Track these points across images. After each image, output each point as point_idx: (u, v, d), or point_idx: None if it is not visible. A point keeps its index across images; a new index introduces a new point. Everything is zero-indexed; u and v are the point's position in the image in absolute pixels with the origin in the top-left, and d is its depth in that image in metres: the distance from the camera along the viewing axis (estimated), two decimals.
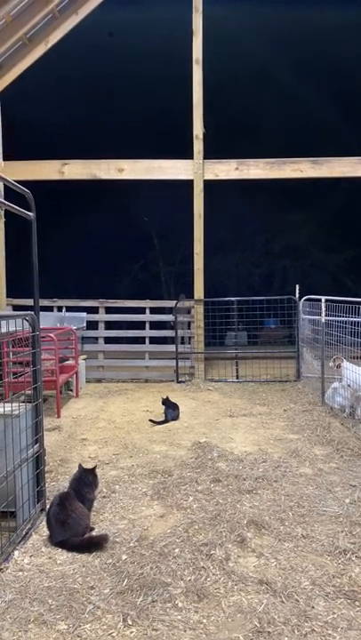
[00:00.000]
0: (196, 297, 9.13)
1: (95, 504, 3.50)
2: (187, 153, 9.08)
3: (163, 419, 6.10)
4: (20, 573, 2.81)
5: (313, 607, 2.45)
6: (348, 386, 5.98)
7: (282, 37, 13.71)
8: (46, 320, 8.52)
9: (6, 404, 3.41)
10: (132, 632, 2.31)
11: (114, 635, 2.30)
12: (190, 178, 9.03)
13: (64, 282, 15.92)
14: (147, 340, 9.55)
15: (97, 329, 9.54)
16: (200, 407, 6.92)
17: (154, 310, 9.58)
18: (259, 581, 2.67)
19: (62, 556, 2.99)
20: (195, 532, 3.22)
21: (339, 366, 6.17)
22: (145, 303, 9.54)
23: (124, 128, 15.64)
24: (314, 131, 15.46)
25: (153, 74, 14.23)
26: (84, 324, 9.08)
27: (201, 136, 8.96)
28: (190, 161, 9.05)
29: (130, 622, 2.36)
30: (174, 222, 13.81)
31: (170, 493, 3.84)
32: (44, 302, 9.11)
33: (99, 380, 9.18)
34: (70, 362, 7.87)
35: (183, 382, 8.81)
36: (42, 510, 3.51)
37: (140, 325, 9.62)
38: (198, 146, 9.00)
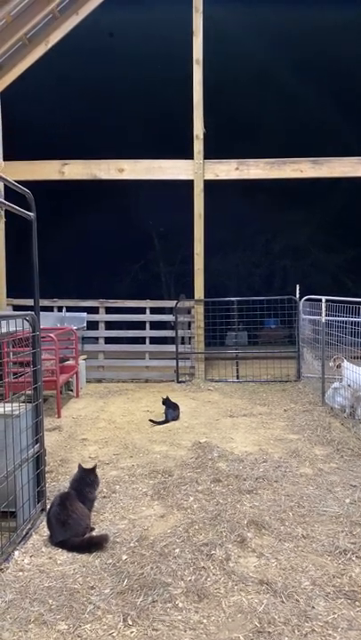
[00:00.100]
0: (196, 297, 9.13)
1: (95, 504, 3.50)
2: (187, 153, 9.08)
3: (163, 419, 6.10)
4: (21, 573, 2.81)
5: (313, 607, 2.45)
6: (349, 386, 5.98)
7: (282, 37, 13.71)
8: (46, 320, 8.53)
9: (7, 404, 3.41)
10: (132, 632, 2.31)
11: (114, 635, 2.30)
12: (190, 178, 9.03)
13: (64, 282, 15.92)
14: (147, 340, 9.55)
15: (97, 329, 9.54)
16: (200, 407, 6.92)
17: (154, 310, 9.58)
18: (259, 581, 2.67)
19: (62, 556, 3.00)
20: (195, 532, 3.22)
21: (339, 366, 6.17)
22: (145, 303, 9.54)
23: (125, 128, 15.65)
24: (314, 131, 15.46)
25: (153, 74, 14.23)
26: (85, 324, 9.08)
27: (201, 136, 8.96)
28: (190, 161, 9.05)
29: (130, 622, 2.36)
30: (175, 222, 13.82)
31: (170, 493, 3.84)
32: (45, 302, 9.12)
33: (99, 380, 9.18)
34: (70, 362, 7.87)
35: (183, 382, 8.81)
36: (42, 510, 3.51)
37: (140, 325, 9.62)
38: (198, 146, 9.00)
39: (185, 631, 2.31)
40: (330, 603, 2.49)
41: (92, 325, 9.50)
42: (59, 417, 6.43)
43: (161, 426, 5.94)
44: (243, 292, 15.98)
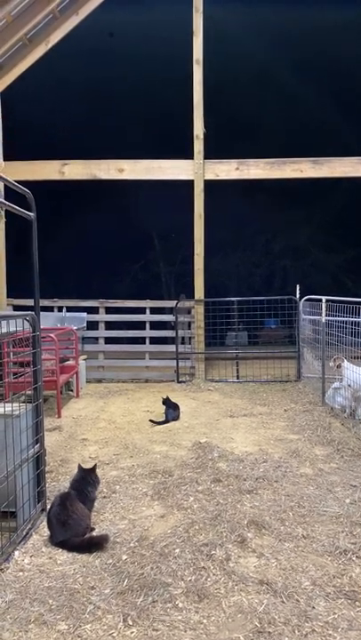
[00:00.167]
0: (196, 297, 9.13)
1: (95, 504, 3.51)
2: (187, 153, 9.08)
3: (163, 419, 6.10)
4: (21, 573, 2.81)
5: (313, 607, 2.45)
6: (349, 386, 5.98)
7: (282, 37, 13.70)
8: (47, 320, 8.53)
9: (7, 405, 3.41)
10: (132, 632, 2.31)
11: (114, 635, 2.30)
12: (191, 178, 9.02)
13: (64, 282, 15.92)
14: (147, 341, 9.54)
15: (97, 329, 9.54)
16: (200, 407, 6.92)
17: (154, 310, 9.58)
18: (259, 581, 2.67)
19: (63, 556, 3.00)
20: (195, 533, 3.22)
21: (339, 366, 6.17)
22: (145, 303, 9.54)
23: (125, 128, 15.65)
24: (314, 131, 15.45)
25: (153, 74, 14.23)
26: (85, 325, 9.08)
27: (201, 136, 8.96)
28: (191, 161, 9.05)
29: (130, 622, 2.36)
30: (175, 222, 13.83)
31: (170, 493, 3.84)
32: (45, 302, 9.11)
33: (99, 381, 9.18)
34: (71, 362, 7.87)
35: (184, 382, 8.81)
36: (42, 510, 3.51)
37: (140, 325, 9.62)
38: (199, 146, 8.99)
39: (185, 631, 2.31)
40: (330, 603, 2.49)
41: (93, 325, 9.50)
42: (59, 417, 6.43)
43: (161, 426, 5.94)
44: (243, 292, 15.98)
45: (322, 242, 20.11)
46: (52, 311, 9.29)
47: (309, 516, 3.43)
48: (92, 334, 9.61)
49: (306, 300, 8.28)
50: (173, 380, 8.95)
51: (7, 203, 3.44)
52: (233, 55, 13.32)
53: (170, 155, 9.19)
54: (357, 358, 6.16)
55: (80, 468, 3.53)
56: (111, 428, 5.92)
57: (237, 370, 9.18)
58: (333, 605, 2.47)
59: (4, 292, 9.13)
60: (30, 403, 3.54)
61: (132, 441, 5.35)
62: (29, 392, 3.61)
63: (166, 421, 6.05)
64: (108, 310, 9.58)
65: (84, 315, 9.23)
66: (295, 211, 18.52)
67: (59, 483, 4.11)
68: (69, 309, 9.34)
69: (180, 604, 2.50)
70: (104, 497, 3.81)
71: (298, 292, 8.73)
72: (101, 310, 9.46)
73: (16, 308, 9.15)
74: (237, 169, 9.09)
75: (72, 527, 3.09)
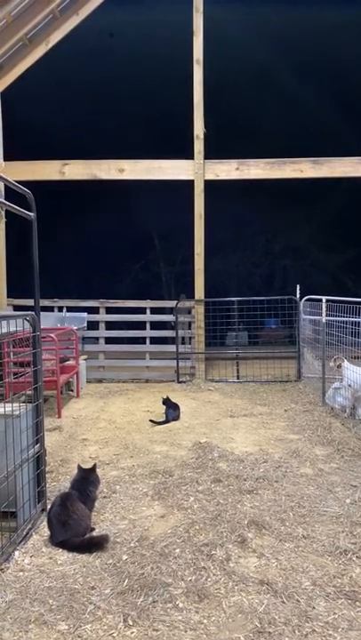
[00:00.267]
0: (196, 297, 9.13)
1: (96, 504, 3.51)
2: (187, 153, 9.07)
3: (163, 419, 6.10)
4: (21, 574, 2.81)
5: (314, 607, 2.45)
6: (349, 386, 5.98)
7: (282, 38, 13.70)
8: (47, 320, 8.53)
9: (7, 405, 3.41)
10: (132, 632, 2.31)
11: (114, 635, 2.30)
12: (191, 178, 9.02)
13: (65, 282, 15.92)
14: (147, 341, 9.54)
15: (97, 329, 9.54)
16: (201, 407, 6.92)
17: (154, 310, 9.58)
18: (259, 582, 2.67)
19: (63, 556, 3.00)
20: (195, 533, 3.22)
21: (339, 366, 6.17)
22: (145, 303, 9.54)
23: (125, 128, 15.65)
24: (314, 132, 15.45)
25: (153, 74, 14.23)
26: (85, 325, 9.08)
27: (202, 136, 8.96)
28: (191, 161, 9.05)
29: (130, 622, 2.36)
30: (175, 222, 13.82)
31: (170, 494, 3.84)
32: (45, 302, 9.11)
33: (99, 381, 9.18)
34: (71, 362, 7.87)
35: (184, 382, 8.81)
36: (42, 510, 3.51)
37: (140, 325, 9.61)
38: (199, 146, 8.99)
39: (185, 631, 2.31)
40: (330, 603, 2.49)
41: (93, 325, 9.50)
42: (59, 417, 6.43)
43: (161, 426, 5.93)
44: (243, 292, 15.98)
45: (322, 242, 20.10)
46: (53, 311, 9.29)
47: (310, 516, 3.43)
48: (93, 334, 9.61)
49: (306, 300, 8.28)
50: (174, 380, 8.95)
51: (7, 203, 3.44)
52: (233, 55, 13.33)
53: (170, 155, 9.19)
54: (358, 358, 6.16)
55: (80, 468, 3.53)
56: (111, 428, 5.92)
57: (238, 370, 9.18)
58: (334, 605, 2.47)
59: (4, 292, 9.13)
60: (30, 403, 3.54)
61: (132, 441, 5.35)
62: (30, 392, 3.61)
63: (166, 421, 6.04)
64: (109, 310, 9.58)
65: (85, 315, 9.23)
66: (295, 211, 18.52)
67: (59, 483, 4.11)
68: (70, 309, 9.34)
69: (181, 604, 2.50)
70: (104, 497, 3.81)
71: (298, 292, 8.73)
72: (102, 310, 9.46)
73: (16, 307, 9.15)
74: (238, 169, 9.09)
75: (72, 527, 3.09)
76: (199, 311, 9.09)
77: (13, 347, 6.38)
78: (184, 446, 5.09)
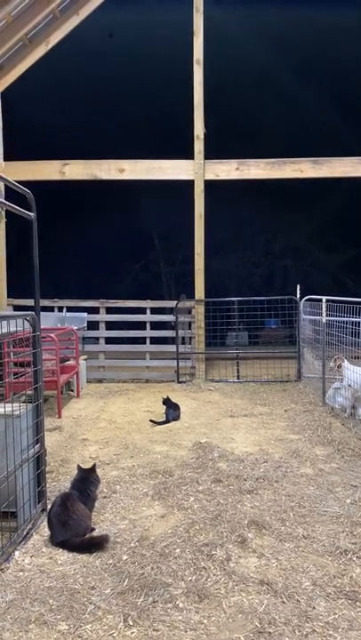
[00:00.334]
0: (196, 297, 9.13)
1: (96, 504, 3.51)
2: (187, 153, 9.07)
3: (163, 419, 6.10)
4: (21, 574, 2.81)
5: (314, 608, 2.45)
6: (349, 386, 5.98)
7: (282, 39, 13.70)
8: (47, 320, 8.53)
9: (7, 405, 3.41)
10: (132, 632, 2.31)
11: (115, 635, 2.30)
12: (191, 178, 9.02)
13: (65, 282, 15.91)
14: (147, 341, 9.54)
15: (98, 329, 9.54)
16: (201, 407, 6.92)
17: (154, 310, 9.58)
18: (260, 582, 2.67)
19: (63, 556, 3.00)
20: (196, 533, 3.22)
21: (340, 366, 6.17)
22: (146, 303, 9.54)
23: (125, 128, 15.64)
24: (314, 132, 15.44)
25: (154, 74, 14.22)
26: (85, 325, 9.08)
27: (202, 136, 8.96)
28: (191, 161, 9.05)
29: (131, 623, 2.36)
30: (175, 223, 13.82)
31: (171, 494, 3.84)
32: (45, 302, 9.11)
33: (99, 381, 9.18)
34: (71, 362, 7.87)
35: (184, 382, 8.81)
36: (43, 510, 3.51)
37: (140, 325, 9.61)
38: (199, 146, 8.99)
39: (185, 631, 2.31)
40: (330, 603, 2.49)
41: (93, 325, 9.49)
42: (59, 417, 6.43)
43: (161, 426, 5.94)
44: (243, 292, 15.96)
45: (322, 242, 20.08)
46: (53, 311, 9.29)
47: (310, 516, 3.43)
48: (93, 334, 9.61)
49: (306, 300, 8.28)
50: (174, 380, 8.95)
51: (8, 203, 3.45)
52: (233, 55, 13.32)
53: (170, 155, 9.18)
54: (358, 358, 6.17)
55: (80, 468, 3.53)
56: (111, 428, 5.92)
57: (238, 370, 9.18)
58: (334, 606, 2.47)
59: (4, 292, 9.13)
60: (31, 403, 3.54)
61: (132, 441, 5.35)
62: (30, 392, 3.62)
63: (167, 421, 6.05)
64: (109, 310, 9.58)
65: (85, 315, 9.23)
66: (295, 211, 18.50)
67: (59, 483, 4.11)
68: (70, 309, 9.34)
69: (181, 605, 2.50)
70: (104, 497, 3.81)
71: (298, 292, 8.73)
72: (102, 310, 9.46)
73: (16, 308, 9.15)
74: (238, 169, 9.09)
75: (72, 527, 3.09)
76: (199, 311, 9.09)
77: (13, 347, 6.37)
78: (184, 446, 5.10)
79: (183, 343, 9.43)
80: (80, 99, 15.14)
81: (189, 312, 9.38)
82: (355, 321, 5.87)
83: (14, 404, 3.44)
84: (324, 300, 6.71)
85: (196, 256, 9.06)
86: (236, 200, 14.82)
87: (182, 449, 5.02)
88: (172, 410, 6.21)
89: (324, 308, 6.68)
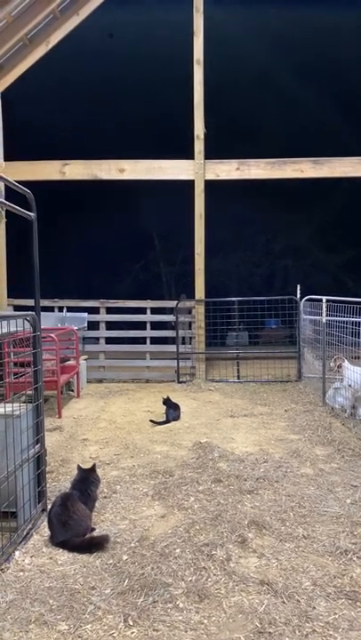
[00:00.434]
0: (196, 297, 9.13)
1: (96, 504, 3.51)
2: (188, 153, 9.07)
3: (164, 419, 6.10)
4: (21, 574, 2.81)
5: (314, 608, 2.45)
6: (350, 386, 5.98)
7: (282, 39, 13.69)
8: (47, 320, 8.53)
9: (7, 405, 3.41)
10: (132, 632, 2.31)
11: (115, 635, 2.30)
12: (191, 178, 9.02)
13: (65, 282, 15.89)
14: (148, 341, 9.54)
15: (98, 329, 9.54)
16: (201, 407, 6.92)
17: (155, 310, 9.58)
18: (260, 582, 2.67)
19: (63, 556, 3.00)
20: (196, 533, 3.22)
21: (340, 366, 6.17)
22: (146, 303, 9.54)
23: (125, 128, 15.63)
24: (314, 132, 15.43)
25: (154, 74, 14.22)
26: (85, 325, 9.08)
27: (202, 136, 8.96)
28: (191, 161, 9.05)
29: (131, 623, 2.36)
30: (175, 223, 13.81)
31: (171, 494, 3.84)
32: (45, 302, 9.11)
33: (100, 381, 9.18)
34: (71, 362, 7.87)
35: (184, 382, 8.81)
36: (43, 510, 3.51)
37: (140, 325, 9.61)
38: (199, 146, 8.99)
39: (186, 631, 2.31)
40: (331, 603, 2.49)
41: (93, 325, 9.49)
42: (59, 417, 6.43)
43: (162, 426, 5.94)
44: (243, 292, 15.94)
45: (322, 242, 20.07)
46: (53, 311, 9.29)
47: (310, 516, 3.42)
48: (93, 334, 9.61)
49: (306, 300, 8.28)
50: (174, 380, 8.95)
51: (8, 203, 3.45)
52: (233, 55, 13.31)
53: (170, 155, 9.18)
54: (358, 358, 6.17)
55: (80, 468, 3.54)
56: (112, 428, 5.92)
57: (238, 370, 9.18)
58: (334, 606, 2.47)
59: (4, 292, 9.13)
60: (31, 403, 3.54)
61: (132, 441, 5.35)
62: (30, 392, 3.62)
63: (167, 421, 6.05)
64: (109, 310, 9.58)
65: (85, 315, 9.23)
66: (296, 211, 18.48)
67: (59, 483, 4.11)
68: (70, 309, 9.34)
69: (181, 605, 2.50)
70: (105, 497, 3.81)
71: (298, 292, 8.73)
72: (102, 310, 9.46)
73: (17, 308, 9.15)
74: (238, 169, 9.09)
75: (73, 527, 3.09)
76: (199, 311, 9.09)
77: (14, 347, 6.37)
78: (184, 446, 5.09)
79: (183, 343, 9.43)
80: (80, 99, 15.14)
81: (190, 312, 9.38)
82: (355, 321, 5.87)
83: (14, 404, 3.44)
84: (324, 300, 6.71)
85: (196, 256, 9.06)
86: (236, 200, 14.81)
87: (182, 449, 5.02)
88: (172, 410, 6.21)
89: (324, 308, 6.68)
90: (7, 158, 8.99)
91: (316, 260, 20.42)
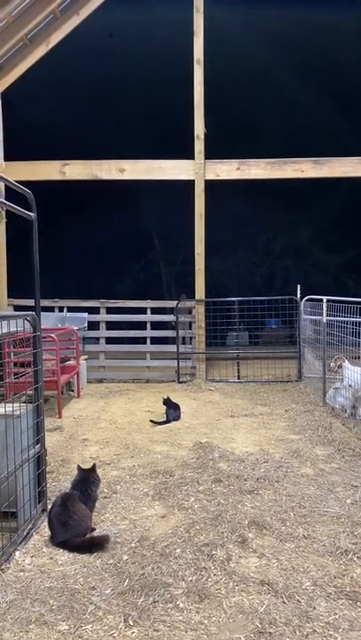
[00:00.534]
0: (197, 297, 9.12)
1: (96, 504, 3.51)
2: (188, 153, 9.07)
3: (164, 419, 6.10)
4: (22, 574, 2.81)
5: (314, 608, 2.45)
6: (350, 386, 5.98)
7: (282, 38, 13.69)
8: (47, 320, 8.53)
9: (7, 405, 3.40)
10: (133, 632, 2.31)
11: (115, 635, 2.29)
12: (191, 178, 9.02)
13: (65, 282, 15.89)
14: (148, 341, 9.54)
15: (98, 329, 9.54)
16: (201, 407, 6.92)
17: (155, 310, 9.58)
18: (260, 582, 2.67)
19: (63, 556, 3.00)
20: (196, 533, 3.22)
21: (340, 366, 6.17)
22: (146, 303, 9.54)
23: (125, 128, 15.63)
24: (314, 132, 15.42)
25: (154, 74, 14.22)
26: (86, 325, 9.08)
27: (202, 136, 8.96)
28: (191, 161, 9.05)
29: (131, 623, 2.36)
30: (175, 223, 13.81)
31: (171, 494, 3.84)
32: (46, 302, 9.11)
33: (100, 381, 9.18)
34: (71, 362, 7.87)
35: (184, 382, 8.81)
36: (43, 510, 3.51)
37: (141, 325, 9.61)
38: (199, 146, 8.99)
39: (186, 632, 2.31)
40: (331, 603, 2.49)
41: (93, 326, 9.49)
42: (60, 417, 6.43)
43: (162, 426, 5.94)
44: (244, 292, 15.94)
45: (323, 242, 20.07)
46: (53, 311, 9.29)
47: (310, 516, 3.42)
48: (93, 334, 9.61)
49: (307, 300, 8.28)
50: (174, 381, 8.95)
51: (8, 203, 3.45)
52: (234, 55, 13.31)
53: (171, 155, 9.18)
54: (358, 358, 6.16)
55: (80, 468, 3.54)
56: (112, 429, 5.91)
57: (238, 370, 9.17)
58: (334, 606, 2.47)
59: (4, 292, 9.13)
60: (31, 403, 3.54)
61: (132, 441, 5.35)
62: (30, 392, 3.62)
63: (167, 421, 6.05)
64: (109, 310, 9.58)
65: (85, 315, 9.23)
66: (296, 211, 18.49)
67: (59, 483, 4.11)
68: (70, 309, 9.34)
69: (181, 605, 2.50)
70: (105, 497, 3.81)
71: (299, 292, 8.73)
72: (102, 310, 9.46)
73: (17, 308, 9.15)
74: (238, 169, 9.09)
75: (73, 527, 3.09)
76: (200, 311, 9.09)
77: (14, 347, 6.37)
78: (185, 446, 5.09)
79: (184, 343, 9.43)
80: (80, 99, 15.14)
81: (190, 312, 9.38)
82: (355, 321, 5.87)
83: (15, 405, 3.44)
84: (324, 300, 6.71)
85: (196, 256, 9.06)
86: (236, 200, 14.81)
87: (183, 449, 5.01)
88: (172, 410, 6.21)
89: (324, 308, 6.68)
90: (7, 158, 8.99)
91: (317, 260, 20.42)
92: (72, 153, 9.48)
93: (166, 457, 4.77)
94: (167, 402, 6.29)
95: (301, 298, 8.55)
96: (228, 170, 9.10)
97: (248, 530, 3.22)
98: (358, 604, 2.49)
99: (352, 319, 5.95)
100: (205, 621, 2.38)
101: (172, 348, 9.20)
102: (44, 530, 3.27)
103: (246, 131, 15.74)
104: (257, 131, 16.11)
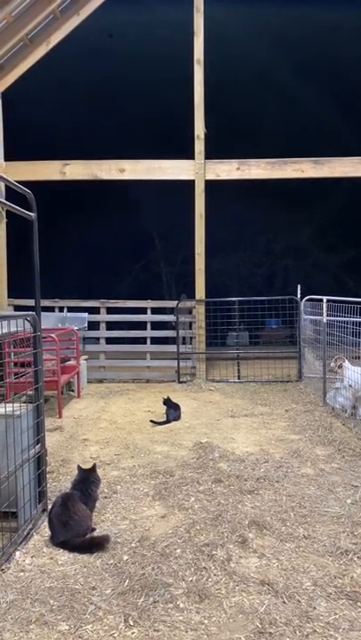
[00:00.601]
0: (197, 297, 9.12)
1: (97, 504, 3.51)
2: (188, 153, 9.07)
3: (164, 419, 6.10)
4: (22, 574, 2.81)
5: (315, 608, 2.45)
6: (350, 386, 5.98)
7: (282, 38, 13.69)
8: (48, 320, 8.53)
9: (8, 405, 3.41)
10: (133, 633, 2.31)
11: (115, 635, 2.29)
12: (191, 178, 9.02)
13: (65, 282, 15.90)
14: (148, 341, 9.54)
15: (98, 329, 9.54)
16: (201, 407, 6.92)
17: (155, 310, 9.58)
18: (260, 582, 2.67)
19: (64, 556, 3.00)
20: (196, 533, 3.22)
21: (340, 366, 6.17)
22: (146, 303, 9.54)
23: (126, 128, 15.64)
24: (314, 132, 15.43)
25: (154, 74, 14.22)
26: (86, 325, 9.08)
27: (202, 136, 8.96)
28: (191, 161, 9.05)
29: (131, 623, 2.36)
30: (175, 223, 13.82)
31: (171, 494, 3.84)
32: (46, 302, 9.11)
33: (100, 381, 9.18)
34: (72, 362, 7.87)
35: (184, 382, 8.81)
36: (43, 511, 3.51)
37: (141, 326, 9.61)
38: (199, 146, 8.99)
39: (186, 632, 2.31)
40: (331, 603, 2.49)
41: (94, 326, 9.49)
42: (60, 417, 6.43)
43: (162, 426, 5.94)
44: (244, 293, 15.95)
45: (323, 242, 20.08)
46: (53, 311, 9.29)
47: (311, 516, 3.42)
48: (93, 334, 9.61)
49: (307, 300, 8.28)
50: (174, 381, 8.95)
51: (8, 203, 3.45)
52: (234, 55, 13.31)
53: (171, 155, 9.18)
54: (358, 358, 6.16)
55: (80, 468, 3.54)
56: (112, 429, 5.92)
57: (238, 370, 9.17)
58: (335, 606, 2.47)
59: (4, 292, 9.13)
60: (31, 403, 3.54)
61: (133, 441, 5.35)
62: (30, 392, 3.62)
63: (167, 421, 6.05)
64: (109, 310, 9.58)
65: (85, 315, 9.23)
66: (296, 211, 18.49)
67: (60, 483, 4.11)
68: (70, 309, 9.34)
69: (182, 605, 2.50)
70: (105, 497, 3.81)
71: (299, 292, 8.73)
72: (102, 310, 9.47)
73: (17, 308, 9.15)
74: (238, 169, 9.09)
75: (73, 527, 3.09)
76: (200, 311, 9.09)
77: (14, 347, 6.37)
78: (185, 446, 5.09)
79: (184, 343, 9.43)
80: (80, 99, 15.14)
81: (190, 312, 9.38)
82: (355, 321, 5.87)
83: (15, 405, 3.44)
84: (324, 300, 6.71)
85: (196, 256, 9.06)
86: (236, 200, 14.81)
87: (183, 449, 5.02)
88: (172, 410, 6.21)
89: (324, 308, 6.68)
90: (7, 158, 9.00)
91: (317, 260, 20.42)
92: (72, 153, 9.49)
93: (166, 457, 4.77)
94: (167, 402, 6.29)
95: (302, 298, 8.55)
96: (228, 170, 9.10)
97: (248, 530, 3.22)
98: (359, 604, 2.49)
99: (352, 319, 5.95)
100: (206, 621, 2.38)
101: (173, 348, 9.20)
102: (45, 530, 3.27)
103: (246, 130, 15.74)
104: (257, 130, 16.11)
